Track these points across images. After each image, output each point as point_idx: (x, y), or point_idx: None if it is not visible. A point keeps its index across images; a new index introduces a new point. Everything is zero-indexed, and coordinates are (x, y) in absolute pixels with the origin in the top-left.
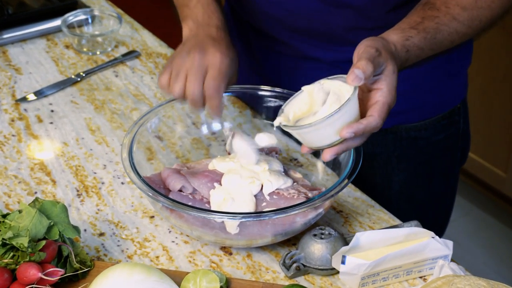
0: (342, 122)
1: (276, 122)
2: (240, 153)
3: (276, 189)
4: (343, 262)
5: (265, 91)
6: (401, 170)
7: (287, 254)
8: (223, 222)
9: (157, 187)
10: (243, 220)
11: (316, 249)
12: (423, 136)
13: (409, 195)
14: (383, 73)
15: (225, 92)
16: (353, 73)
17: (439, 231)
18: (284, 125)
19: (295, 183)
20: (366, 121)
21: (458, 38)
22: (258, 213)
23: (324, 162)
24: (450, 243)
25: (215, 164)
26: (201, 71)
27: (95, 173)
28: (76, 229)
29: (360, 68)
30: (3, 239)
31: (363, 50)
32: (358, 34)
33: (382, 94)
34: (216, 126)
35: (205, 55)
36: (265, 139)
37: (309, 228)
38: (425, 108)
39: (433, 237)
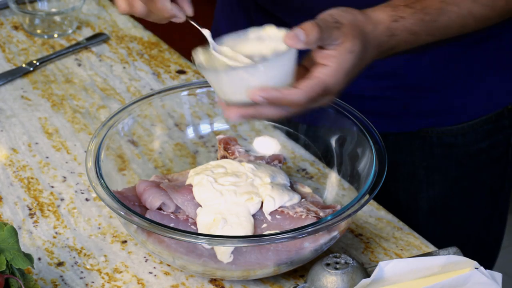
0: (262, 82)
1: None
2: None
3: (280, 207)
4: None
5: None
6: (431, 186)
7: None
8: (213, 248)
9: (130, 205)
10: (238, 245)
11: (329, 282)
12: (460, 143)
13: (442, 217)
14: (336, 48)
15: None
16: (292, 32)
17: (486, 261)
18: (200, 66)
19: (303, 200)
20: (287, 91)
21: (475, 22)
22: (256, 237)
23: (339, 174)
24: (498, 276)
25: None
26: None
27: (52, 187)
28: (28, 257)
29: (303, 29)
30: None
31: (321, 17)
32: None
33: (324, 71)
34: (204, 128)
35: None
36: (266, 144)
37: (321, 256)
38: (464, 108)
39: (477, 268)
